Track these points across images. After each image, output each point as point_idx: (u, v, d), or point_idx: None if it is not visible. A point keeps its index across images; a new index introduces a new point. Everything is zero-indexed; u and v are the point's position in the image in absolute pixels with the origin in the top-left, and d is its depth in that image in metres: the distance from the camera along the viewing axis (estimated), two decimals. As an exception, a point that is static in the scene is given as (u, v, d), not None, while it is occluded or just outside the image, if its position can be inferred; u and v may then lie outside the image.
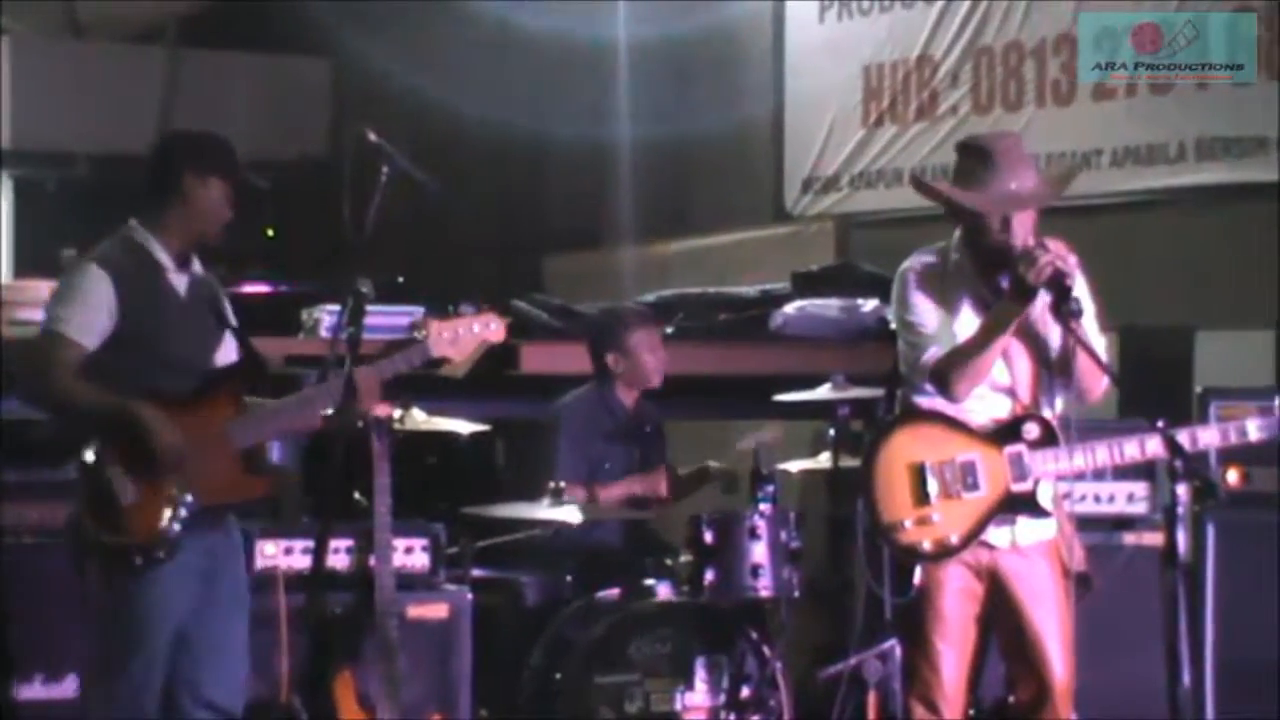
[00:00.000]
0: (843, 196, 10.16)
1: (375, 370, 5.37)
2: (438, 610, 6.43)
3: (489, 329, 5.49)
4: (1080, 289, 5.04)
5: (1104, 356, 5.14)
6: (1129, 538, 6.71)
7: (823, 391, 7.09)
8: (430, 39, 12.23)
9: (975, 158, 5.21)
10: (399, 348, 5.54)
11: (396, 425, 6.28)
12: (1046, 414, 5.19)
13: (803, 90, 10.42)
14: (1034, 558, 5.19)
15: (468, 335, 5.45)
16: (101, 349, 5.17)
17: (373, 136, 5.69)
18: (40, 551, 5.99)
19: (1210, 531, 6.69)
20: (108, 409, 5.10)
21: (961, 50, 9.54)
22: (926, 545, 5.11)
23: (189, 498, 5.13)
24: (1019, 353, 5.20)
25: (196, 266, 5.38)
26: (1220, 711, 6.61)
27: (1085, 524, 5.87)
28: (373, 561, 6.13)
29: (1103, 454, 5.15)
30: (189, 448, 5.11)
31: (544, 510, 6.51)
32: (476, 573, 6.68)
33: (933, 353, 5.16)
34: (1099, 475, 6.30)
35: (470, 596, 6.50)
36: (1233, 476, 6.73)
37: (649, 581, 6.64)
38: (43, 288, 6.71)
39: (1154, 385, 6.96)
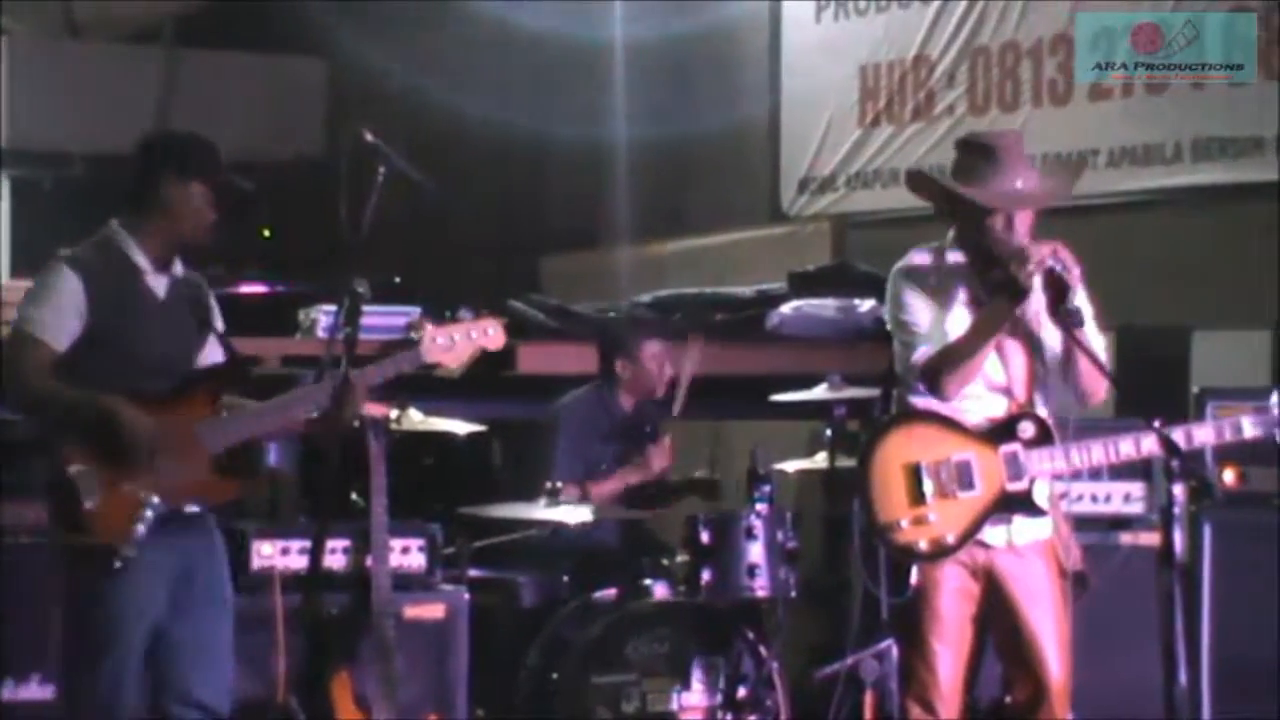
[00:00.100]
0: (839, 197, 10.16)
1: (362, 375, 5.31)
2: (434, 610, 6.43)
3: (486, 336, 5.42)
4: (1081, 298, 5.03)
5: (1103, 357, 5.14)
6: (1125, 538, 6.71)
7: (819, 391, 7.10)
8: (427, 39, 12.23)
9: (978, 154, 5.20)
10: (392, 350, 5.52)
11: (393, 426, 6.28)
12: (1042, 413, 5.19)
13: (799, 90, 10.42)
14: (1030, 557, 5.19)
15: (463, 342, 5.39)
16: (73, 349, 5.14)
17: (369, 136, 5.69)
18: (37, 551, 5.96)
19: (1207, 531, 6.69)
20: (78, 404, 5.07)
21: (958, 50, 9.54)
22: (923, 545, 5.10)
23: (155, 499, 5.07)
24: (1015, 351, 5.20)
25: (178, 268, 5.33)
26: (1216, 711, 6.62)
27: (1082, 524, 5.87)
28: (369, 562, 6.13)
29: (1098, 453, 5.15)
30: (160, 447, 5.08)
31: (541, 510, 6.51)
32: (473, 573, 6.69)
33: (923, 351, 5.16)
34: (1095, 475, 6.32)
35: (467, 597, 6.50)
36: (1229, 476, 6.73)
37: (646, 581, 6.65)
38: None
39: (1150, 385, 6.94)
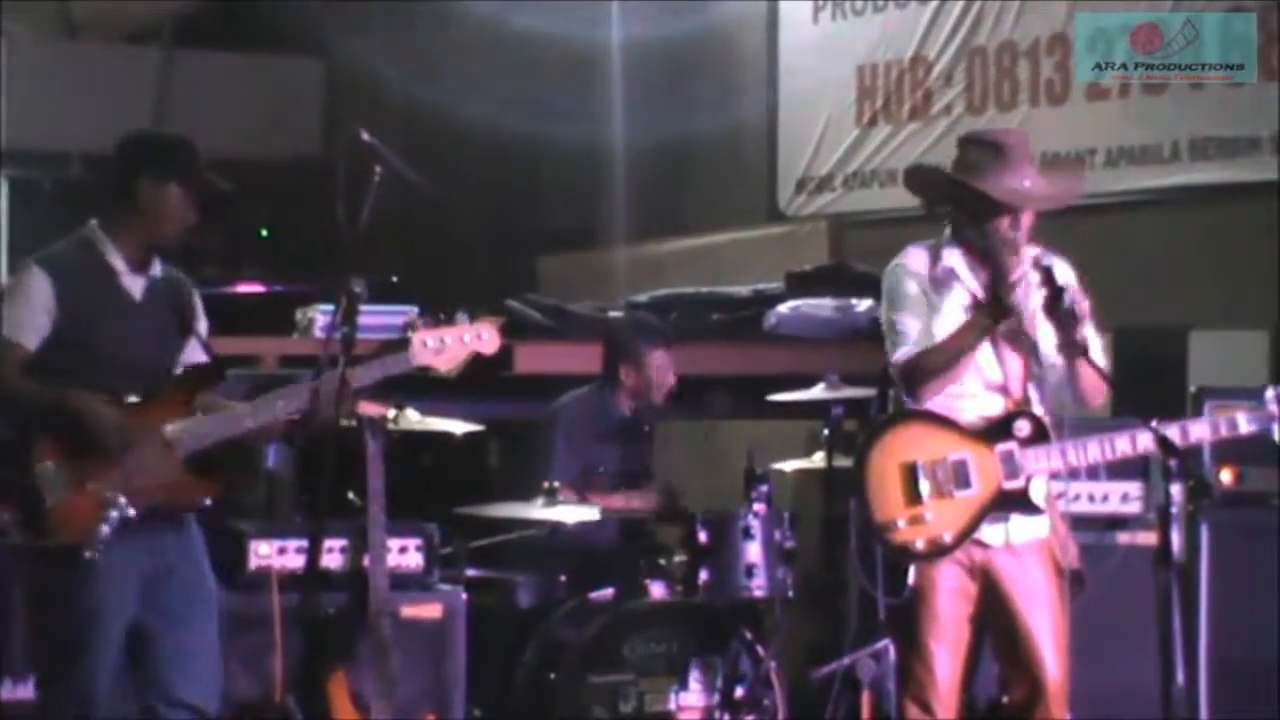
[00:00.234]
0: (836, 196, 10.16)
1: (350, 377, 5.26)
2: (432, 610, 6.43)
3: (479, 340, 5.37)
4: (1080, 305, 5.03)
5: (1101, 359, 5.14)
6: (1123, 537, 6.71)
7: (816, 391, 7.10)
8: (424, 39, 12.24)
9: (984, 150, 5.18)
10: (384, 351, 5.50)
11: (390, 425, 6.27)
12: (1038, 411, 5.19)
13: (796, 90, 10.42)
14: (1027, 556, 5.19)
15: (455, 345, 5.34)
16: (44, 349, 5.13)
17: (366, 136, 5.68)
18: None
19: (1204, 531, 6.69)
20: (48, 401, 5.05)
21: (955, 50, 9.55)
22: (920, 544, 5.10)
23: (121, 500, 5.03)
24: (1010, 350, 5.20)
25: (157, 269, 5.31)
26: (1214, 711, 6.61)
27: (1079, 523, 5.86)
28: (367, 561, 6.12)
29: (1094, 450, 5.14)
30: (130, 446, 5.05)
31: (538, 510, 6.51)
32: (470, 573, 6.68)
33: (904, 352, 5.16)
34: (1092, 474, 6.31)
35: (464, 596, 6.50)
36: (1226, 476, 6.73)
37: (643, 581, 6.65)
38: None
39: (1148, 385, 6.95)
